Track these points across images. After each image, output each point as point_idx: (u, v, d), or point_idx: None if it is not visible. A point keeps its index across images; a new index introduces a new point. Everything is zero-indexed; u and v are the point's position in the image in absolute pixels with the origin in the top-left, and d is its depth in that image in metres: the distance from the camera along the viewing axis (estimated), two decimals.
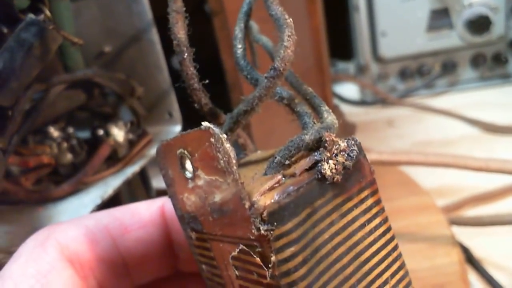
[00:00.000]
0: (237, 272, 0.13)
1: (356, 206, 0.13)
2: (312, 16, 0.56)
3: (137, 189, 0.32)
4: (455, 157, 0.30)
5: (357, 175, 0.13)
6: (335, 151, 0.13)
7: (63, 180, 0.27)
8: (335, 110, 0.69)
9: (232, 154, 0.12)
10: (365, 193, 0.14)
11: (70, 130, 0.29)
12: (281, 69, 0.13)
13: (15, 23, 0.26)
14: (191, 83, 0.16)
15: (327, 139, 0.13)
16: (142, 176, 0.33)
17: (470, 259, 0.39)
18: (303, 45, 0.53)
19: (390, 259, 0.14)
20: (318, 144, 0.13)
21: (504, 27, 0.71)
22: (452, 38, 0.73)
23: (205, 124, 0.12)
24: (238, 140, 0.18)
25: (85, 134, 0.31)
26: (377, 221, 0.14)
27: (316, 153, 0.13)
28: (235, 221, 0.12)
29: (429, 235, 0.39)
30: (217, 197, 0.13)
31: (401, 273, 0.14)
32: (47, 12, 0.27)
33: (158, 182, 0.41)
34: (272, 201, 0.12)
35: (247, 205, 0.12)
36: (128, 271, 0.17)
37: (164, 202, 0.18)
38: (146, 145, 0.30)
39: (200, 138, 0.13)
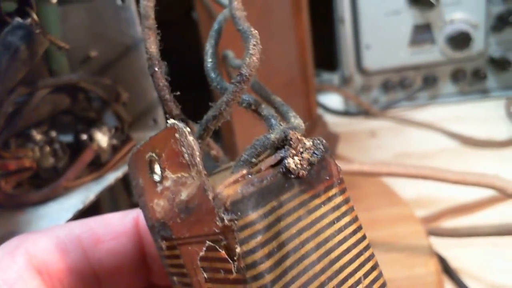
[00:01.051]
0: (205, 275, 0.13)
1: (323, 203, 0.13)
2: (298, 26, 0.57)
3: (119, 196, 0.32)
4: (433, 169, 0.30)
5: (324, 173, 0.13)
6: (301, 149, 0.13)
7: (44, 184, 0.27)
8: (319, 120, 0.70)
9: (196, 147, 0.12)
10: (333, 191, 0.14)
11: (53, 134, 0.29)
12: (247, 74, 0.14)
13: (2, 26, 0.26)
14: (162, 94, 0.16)
15: (292, 137, 0.13)
16: (125, 182, 0.32)
17: (447, 269, 0.40)
18: (288, 55, 0.54)
19: (362, 258, 0.14)
20: (283, 143, 0.13)
21: (483, 44, 0.73)
22: (433, 53, 0.75)
23: (170, 121, 0.13)
24: (210, 152, 0.18)
25: (68, 138, 0.31)
26: (346, 219, 0.14)
27: (282, 151, 0.13)
28: (200, 217, 0.12)
29: (407, 245, 0.40)
30: (184, 194, 0.13)
31: (374, 273, 0.14)
32: (34, 16, 0.27)
33: None
34: (237, 191, 0.12)
35: (210, 196, 0.12)
36: (99, 283, 0.17)
37: (139, 213, 0.18)
38: (129, 151, 0.30)
39: (166, 136, 0.13)
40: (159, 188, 0.14)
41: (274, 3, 0.50)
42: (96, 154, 0.28)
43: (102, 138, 0.28)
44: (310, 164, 0.13)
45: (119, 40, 0.32)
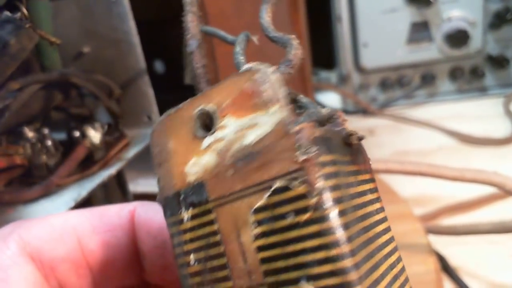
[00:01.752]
0: (259, 229, 0.12)
1: (366, 181, 0.13)
2: (295, 24, 0.56)
3: (113, 193, 0.31)
4: (431, 166, 0.30)
5: (361, 157, 0.14)
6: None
7: (36, 182, 0.26)
8: None
9: (282, 82, 0.12)
10: (368, 176, 0.14)
11: (45, 131, 0.29)
12: (294, 61, 0.14)
13: None
14: (199, 72, 0.17)
15: (340, 115, 0.13)
16: (119, 179, 0.32)
17: (446, 268, 0.40)
18: (285, 53, 0.54)
19: (390, 247, 0.13)
20: (330, 121, 0.13)
21: (481, 42, 0.72)
22: (431, 50, 0.74)
23: (246, 66, 0.13)
24: None
25: (61, 136, 0.30)
26: (378, 205, 0.14)
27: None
28: (272, 158, 0.11)
29: (405, 243, 0.40)
30: (251, 137, 0.12)
31: (400, 265, 0.14)
32: (24, 11, 0.27)
33: (135, 186, 0.40)
34: (317, 131, 0.12)
35: (295, 129, 0.11)
36: (92, 275, 0.17)
37: (136, 207, 0.17)
38: (123, 148, 0.30)
39: (237, 82, 0.12)
40: (206, 142, 0.13)
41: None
42: (89, 151, 0.28)
43: (95, 135, 0.28)
44: (360, 139, 0.13)
45: (111, 36, 0.31)
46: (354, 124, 0.75)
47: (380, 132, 0.70)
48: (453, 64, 0.75)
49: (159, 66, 0.68)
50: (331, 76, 0.85)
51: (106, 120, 0.30)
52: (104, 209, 0.17)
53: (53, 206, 0.25)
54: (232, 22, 0.38)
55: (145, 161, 0.44)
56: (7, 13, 0.25)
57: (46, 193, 0.26)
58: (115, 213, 0.17)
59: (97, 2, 0.32)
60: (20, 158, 0.26)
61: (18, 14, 0.27)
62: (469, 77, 0.76)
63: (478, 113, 0.71)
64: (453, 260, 0.41)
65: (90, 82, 0.29)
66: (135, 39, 0.31)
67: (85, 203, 0.26)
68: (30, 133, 0.28)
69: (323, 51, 0.80)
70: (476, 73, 0.74)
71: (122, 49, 0.32)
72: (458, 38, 0.71)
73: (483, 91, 0.76)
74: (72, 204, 0.25)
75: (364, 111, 0.77)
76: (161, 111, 0.35)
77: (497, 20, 0.71)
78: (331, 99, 0.83)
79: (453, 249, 0.42)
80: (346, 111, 0.80)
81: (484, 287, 0.38)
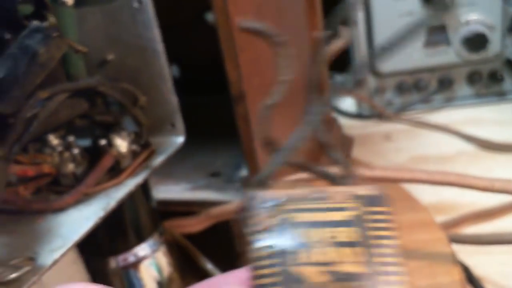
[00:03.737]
0: None
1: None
2: (312, 28, 0.56)
3: (138, 201, 0.31)
4: (460, 176, 0.29)
5: None
6: None
7: (64, 190, 0.26)
8: (333, 122, 0.69)
9: None
10: None
11: (71, 138, 0.29)
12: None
13: (19, 30, 0.25)
14: None
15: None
16: (144, 189, 0.32)
17: (470, 278, 0.39)
18: (303, 57, 0.53)
19: None
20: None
21: (500, 46, 0.71)
22: (449, 54, 0.73)
23: None
24: None
25: (85, 143, 0.30)
26: None
27: None
28: None
29: (429, 252, 0.39)
30: None
31: None
32: (52, 19, 0.27)
33: (156, 193, 0.40)
34: None
35: None
36: None
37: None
38: (149, 156, 0.30)
39: None
40: None
41: (288, 5, 0.50)
42: (116, 160, 0.28)
43: (121, 144, 0.28)
44: None
45: (136, 43, 0.31)
46: (370, 128, 0.74)
47: (396, 137, 0.70)
48: (471, 68, 0.74)
49: (174, 70, 0.68)
50: (347, 79, 0.85)
51: (132, 129, 0.30)
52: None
53: (82, 216, 0.25)
54: None
55: (165, 168, 0.44)
56: (36, 23, 0.25)
57: (75, 202, 0.26)
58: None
59: (122, 9, 0.32)
60: (48, 166, 0.26)
61: (46, 23, 0.27)
62: (488, 82, 0.74)
63: (497, 118, 0.70)
64: (477, 270, 0.40)
65: (115, 90, 0.29)
66: (160, 46, 0.31)
67: (113, 211, 0.26)
68: (55, 141, 0.28)
69: (338, 55, 0.79)
70: (494, 77, 0.73)
71: (147, 57, 0.32)
72: (476, 41, 0.70)
73: (501, 95, 0.75)
74: (102, 214, 0.25)
75: (379, 116, 0.76)
76: (184, 118, 0.35)
77: None
78: (346, 103, 0.82)
79: (477, 258, 0.41)
80: (362, 116, 0.79)
81: None
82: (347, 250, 0.15)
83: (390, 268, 0.14)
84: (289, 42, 0.48)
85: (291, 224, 0.15)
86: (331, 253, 0.15)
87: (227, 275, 0.16)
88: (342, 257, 0.14)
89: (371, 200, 0.15)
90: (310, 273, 0.14)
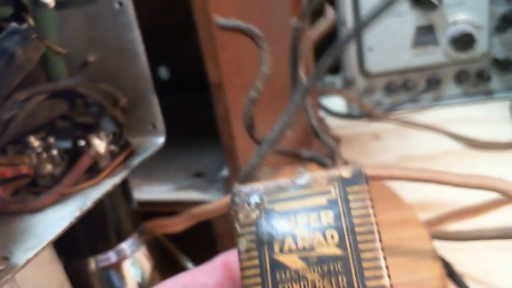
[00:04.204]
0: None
1: None
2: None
3: (117, 200, 0.32)
4: (435, 172, 0.30)
5: None
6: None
7: (41, 191, 0.27)
8: (321, 122, 0.70)
9: None
10: None
11: (51, 140, 0.29)
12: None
13: None
14: None
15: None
16: (124, 188, 0.32)
17: (452, 274, 0.40)
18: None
19: None
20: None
21: (487, 45, 0.72)
22: (436, 54, 0.74)
23: None
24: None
25: (66, 145, 0.31)
26: None
27: None
28: None
29: (410, 249, 0.39)
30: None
31: None
32: (31, 21, 0.27)
33: (139, 193, 0.41)
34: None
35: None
36: None
37: (227, 257, 0.17)
38: (128, 156, 0.30)
39: None
40: None
41: (273, 6, 0.50)
42: (94, 160, 0.28)
43: (99, 144, 0.28)
44: None
45: (117, 45, 0.32)
46: (359, 128, 0.75)
47: (385, 136, 0.70)
48: (459, 67, 0.75)
49: (163, 72, 0.69)
50: (336, 80, 0.85)
51: (111, 129, 0.30)
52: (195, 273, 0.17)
53: (59, 215, 0.25)
54: None
55: (149, 168, 0.45)
56: (13, 24, 0.25)
57: (52, 203, 0.26)
58: (205, 275, 0.17)
59: (103, 11, 0.32)
60: (26, 167, 0.27)
61: (25, 25, 0.27)
62: (475, 81, 0.75)
63: (485, 117, 0.70)
64: (460, 267, 0.40)
65: (95, 91, 0.29)
66: (140, 47, 0.31)
67: (94, 212, 0.26)
68: (36, 142, 0.28)
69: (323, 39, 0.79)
70: (482, 77, 0.74)
71: (127, 58, 0.32)
72: (463, 41, 0.71)
73: (489, 94, 0.76)
74: (78, 213, 0.25)
75: (369, 116, 0.77)
76: (166, 116, 0.35)
77: (503, 23, 0.70)
78: (336, 104, 0.82)
79: (460, 255, 0.41)
80: (351, 116, 0.79)
81: None
82: (331, 233, 0.15)
83: (370, 246, 0.15)
84: (276, 41, 0.49)
85: (276, 213, 0.15)
86: (316, 238, 0.15)
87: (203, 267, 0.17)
88: (326, 240, 0.15)
89: (351, 180, 0.16)
90: (294, 260, 0.15)
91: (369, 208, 0.15)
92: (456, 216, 0.47)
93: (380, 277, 0.14)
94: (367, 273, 0.14)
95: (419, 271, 0.37)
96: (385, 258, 0.15)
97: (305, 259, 0.15)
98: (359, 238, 0.15)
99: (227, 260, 0.18)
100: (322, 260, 0.15)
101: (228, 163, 0.36)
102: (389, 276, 0.14)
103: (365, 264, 0.14)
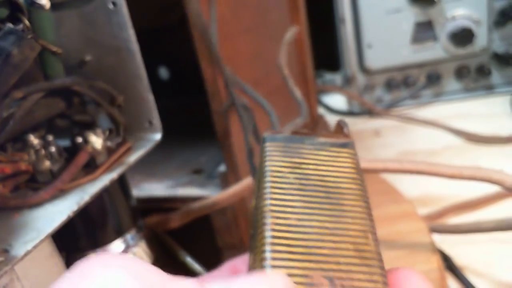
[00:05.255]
0: None
1: None
2: (295, 24, 0.56)
3: (116, 198, 0.32)
4: (429, 164, 0.30)
5: None
6: None
7: (40, 187, 0.27)
8: (320, 120, 0.70)
9: None
10: None
11: (50, 138, 0.30)
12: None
13: None
14: None
15: None
16: (122, 184, 0.33)
17: (451, 267, 0.40)
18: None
19: None
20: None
21: (486, 40, 0.72)
22: (436, 50, 0.74)
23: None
24: None
25: (65, 142, 0.31)
26: None
27: None
28: None
29: (409, 242, 0.40)
30: None
31: None
32: (26, 22, 0.28)
33: (138, 191, 0.41)
34: None
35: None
36: None
37: (235, 262, 0.18)
38: (125, 153, 0.31)
39: None
40: None
41: (270, 3, 0.51)
42: (91, 156, 0.29)
43: (96, 140, 0.29)
44: None
45: (112, 44, 0.32)
46: (360, 125, 0.75)
47: (386, 132, 0.70)
48: (458, 63, 0.75)
49: (163, 72, 0.69)
50: (336, 78, 0.86)
51: (107, 126, 0.31)
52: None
53: (57, 210, 0.26)
54: (230, 27, 0.38)
55: (149, 166, 0.45)
56: (9, 25, 0.26)
57: (50, 198, 0.26)
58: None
59: (97, 11, 0.32)
60: (25, 164, 0.27)
61: (20, 26, 0.27)
62: (475, 76, 0.75)
63: (485, 112, 0.70)
64: (460, 260, 0.40)
65: (92, 89, 0.30)
66: (135, 46, 0.32)
67: (92, 208, 0.26)
68: (35, 140, 0.29)
69: (327, 53, 0.80)
70: (482, 72, 0.74)
71: (123, 57, 0.32)
72: (463, 36, 0.71)
73: (489, 89, 0.75)
74: (75, 208, 0.25)
75: (369, 112, 0.77)
76: (167, 116, 0.36)
77: (502, 18, 0.70)
78: (336, 101, 0.83)
79: (460, 248, 0.41)
80: (352, 113, 0.80)
81: (492, 286, 0.38)
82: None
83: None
84: (272, 38, 0.49)
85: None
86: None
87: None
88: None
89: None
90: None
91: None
92: (455, 210, 0.47)
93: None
94: None
95: (417, 264, 0.37)
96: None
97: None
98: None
99: (235, 265, 0.18)
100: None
101: (224, 159, 0.36)
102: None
103: None
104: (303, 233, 0.15)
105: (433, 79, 0.76)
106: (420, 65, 0.76)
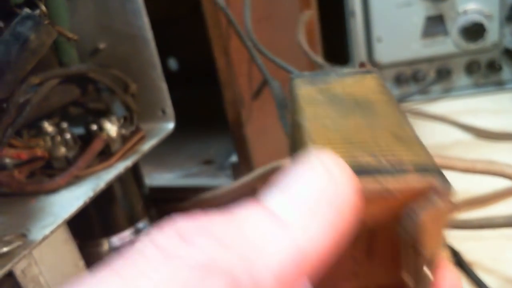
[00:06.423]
0: None
1: None
2: (306, 8, 0.56)
3: (129, 186, 0.32)
4: (441, 157, 0.30)
5: None
6: None
7: (56, 173, 0.27)
8: None
9: None
10: None
11: (64, 125, 0.30)
12: None
13: (11, 18, 0.26)
14: None
15: None
16: (135, 173, 0.33)
17: (460, 263, 0.39)
18: (296, 47, 0.54)
19: None
20: None
21: (498, 35, 0.71)
22: (447, 44, 0.73)
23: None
24: None
25: (79, 130, 0.31)
26: None
27: None
28: None
29: None
30: None
31: None
32: (43, 7, 0.28)
33: (150, 180, 0.41)
34: None
35: None
36: None
37: None
38: (139, 141, 0.31)
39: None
40: None
41: None
42: (106, 144, 0.29)
43: (111, 128, 0.29)
44: None
45: (126, 31, 0.32)
46: None
47: None
48: (469, 58, 0.74)
49: (172, 63, 0.69)
50: None
51: (122, 114, 0.31)
52: None
53: (73, 196, 0.26)
54: (243, 17, 0.38)
55: (161, 156, 0.45)
56: (27, 10, 0.26)
57: (66, 184, 0.27)
58: None
59: None
60: (41, 150, 0.27)
61: (37, 11, 0.27)
62: (486, 71, 0.74)
63: (495, 108, 0.70)
64: (469, 256, 0.40)
65: (106, 76, 0.30)
66: (149, 34, 0.32)
67: (104, 195, 0.27)
68: (49, 128, 0.29)
69: (337, 47, 0.80)
70: (493, 67, 0.73)
71: (137, 44, 0.32)
72: (474, 31, 0.70)
73: (500, 85, 0.75)
74: (91, 194, 0.25)
75: None
76: (176, 106, 0.36)
77: None
78: None
79: (470, 244, 0.41)
80: None
81: (501, 283, 0.38)
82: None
83: None
84: (283, 28, 0.49)
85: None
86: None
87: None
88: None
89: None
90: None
91: None
92: (466, 205, 0.47)
93: None
94: None
95: None
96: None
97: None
98: None
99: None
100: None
101: (236, 149, 0.36)
102: None
103: None
104: (341, 130, 0.15)
105: (443, 74, 0.75)
106: (430, 60, 0.75)
